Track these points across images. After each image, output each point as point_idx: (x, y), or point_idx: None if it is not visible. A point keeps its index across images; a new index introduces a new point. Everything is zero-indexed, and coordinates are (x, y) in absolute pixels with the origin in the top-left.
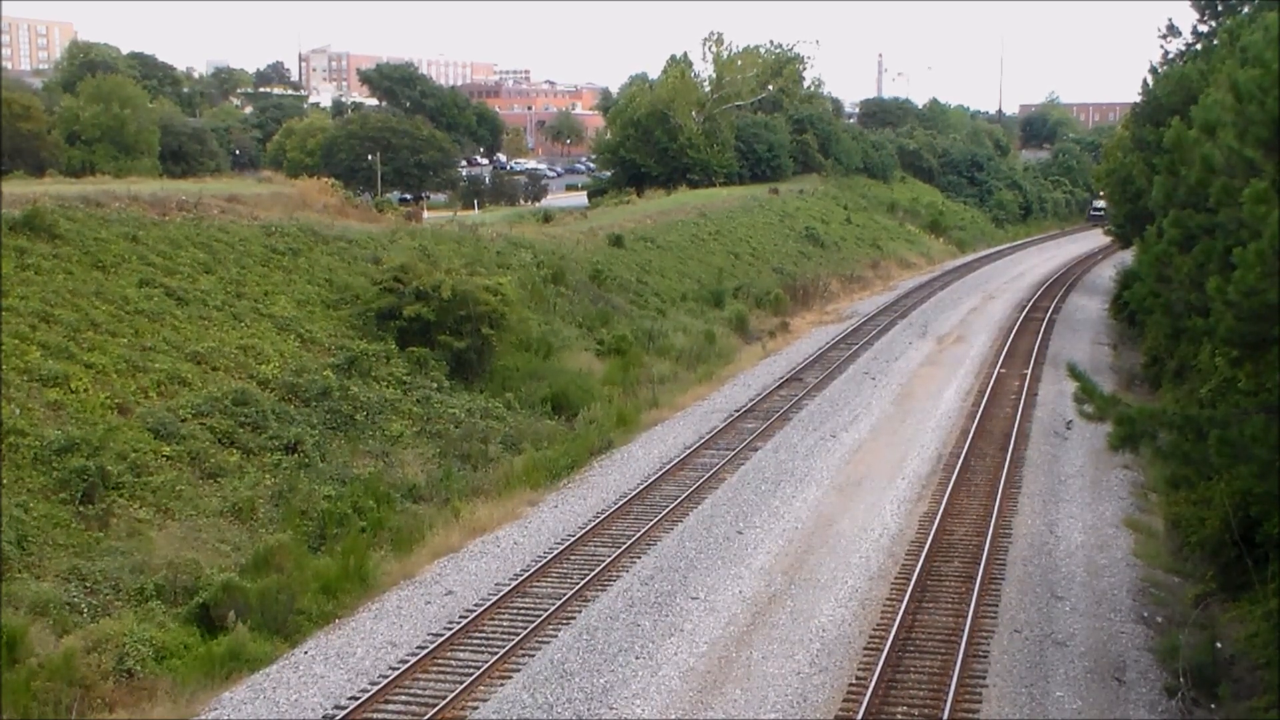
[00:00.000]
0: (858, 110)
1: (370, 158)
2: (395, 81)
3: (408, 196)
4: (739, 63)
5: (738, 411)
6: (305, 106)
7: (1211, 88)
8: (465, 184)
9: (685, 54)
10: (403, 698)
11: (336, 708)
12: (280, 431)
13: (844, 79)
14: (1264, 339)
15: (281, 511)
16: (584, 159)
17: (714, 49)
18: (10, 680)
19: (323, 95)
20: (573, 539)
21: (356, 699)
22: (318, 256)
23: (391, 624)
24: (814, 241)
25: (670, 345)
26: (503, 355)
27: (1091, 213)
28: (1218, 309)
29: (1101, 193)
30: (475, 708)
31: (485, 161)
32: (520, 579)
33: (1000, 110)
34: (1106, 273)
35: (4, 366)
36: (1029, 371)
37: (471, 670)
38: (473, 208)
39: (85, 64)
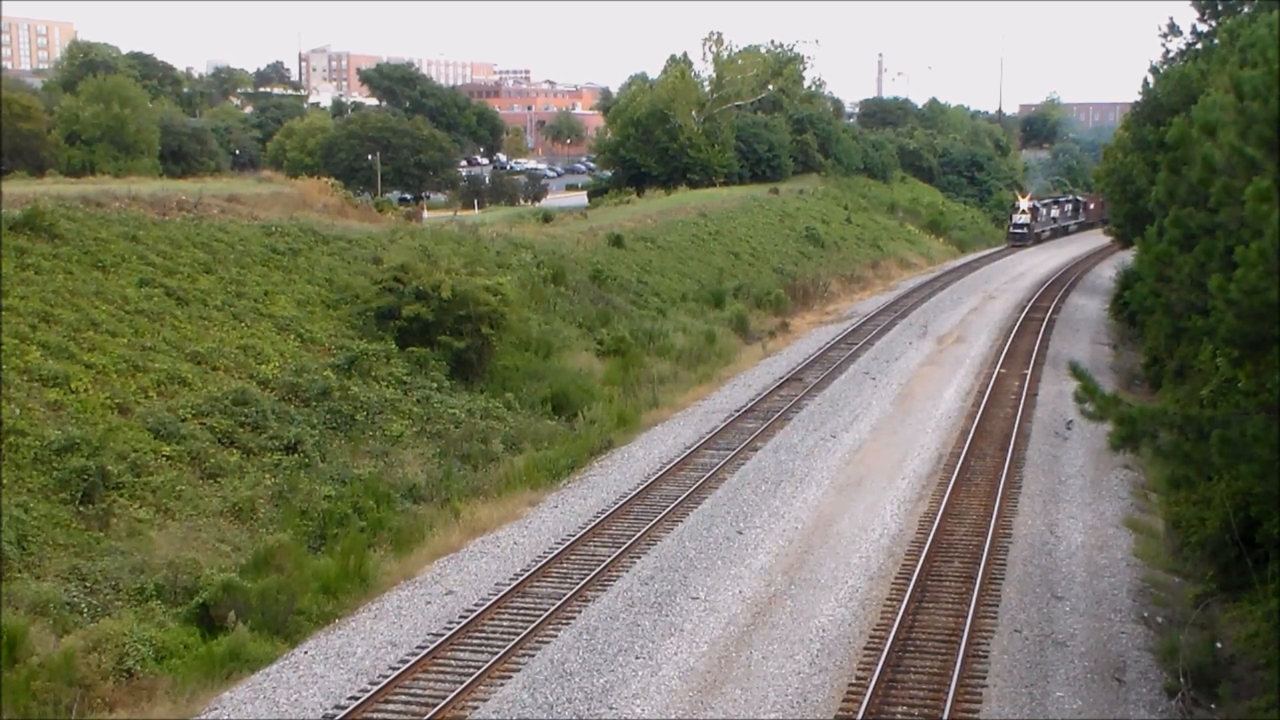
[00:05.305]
0: (858, 110)
1: (370, 158)
2: (395, 81)
3: (408, 196)
4: (739, 63)
5: (738, 411)
6: (305, 106)
7: (1212, 87)
8: (465, 184)
9: (685, 54)
10: (403, 698)
11: (336, 708)
12: (280, 431)
13: (844, 79)
14: (1265, 338)
15: (281, 511)
16: (584, 159)
17: (714, 49)
18: (10, 680)
19: (323, 95)
20: (573, 539)
21: (356, 699)
22: (318, 256)
23: (391, 624)
24: (814, 241)
25: (670, 345)
26: (503, 355)
27: (1012, 230)
28: (1218, 308)
29: (1020, 205)
30: (475, 708)
31: (485, 161)
32: (520, 579)
33: (1000, 110)
34: (1106, 273)
35: (4, 366)
36: (1029, 371)
37: (471, 670)
38: (473, 208)
39: (85, 64)
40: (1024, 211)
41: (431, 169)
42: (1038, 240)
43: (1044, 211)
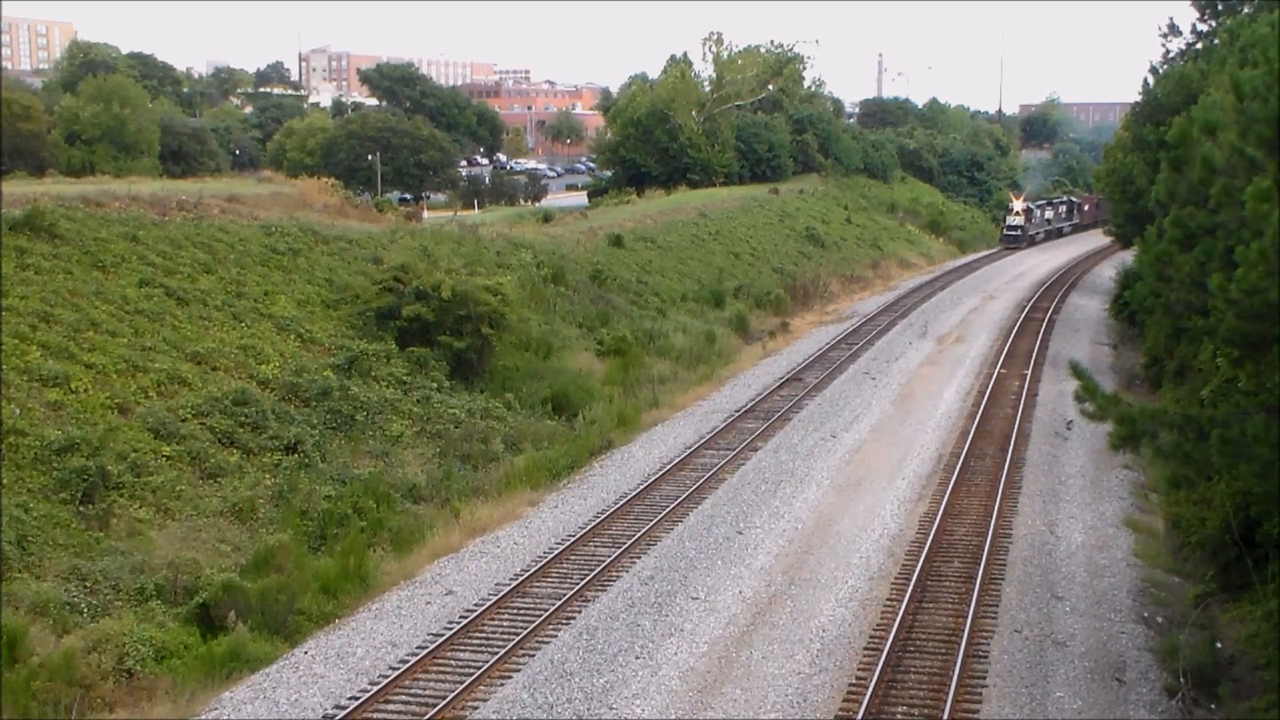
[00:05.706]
0: (858, 110)
1: (370, 158)
2: (395, 81)
3: (408, 196)
4: (739, 63)
5: (738, 412)
6: (305, 106)
7: (1212, 87)
8: (465, 184)
9: (685, 54)
10: (403, 698)
11: (336, 708)
12: (280, 431)
13: (844, 79)
14: (1265, 338)
15: (281, 511)
16: (584, 159)
17: (714, 49)
18: (10, 680)
19: (323, 95)
20: (573, 539)
21: (356, 699)
22: (318, 256)
23: (391, 624)
24: (814, 241)
25: (670, 345)
26: (503, 355)
27: (1006, 232)
28: (1219, 308)
29: (1014, 206)
30: (475, 708)
31: (485, 161)
32: (520, 579)
33: (1000, 110)
34: (1106, 273)
35: (4, 366)
36: (1029, 372)
37: (471, 670)
38: (473, 208)
39: (85, 64)
40: (1017, 213)
41: (431, 169)
42: (1032, 242)
43: (1038, 213)
